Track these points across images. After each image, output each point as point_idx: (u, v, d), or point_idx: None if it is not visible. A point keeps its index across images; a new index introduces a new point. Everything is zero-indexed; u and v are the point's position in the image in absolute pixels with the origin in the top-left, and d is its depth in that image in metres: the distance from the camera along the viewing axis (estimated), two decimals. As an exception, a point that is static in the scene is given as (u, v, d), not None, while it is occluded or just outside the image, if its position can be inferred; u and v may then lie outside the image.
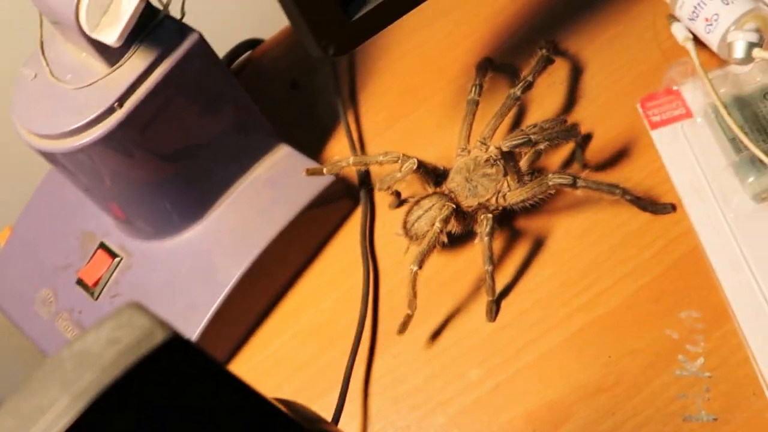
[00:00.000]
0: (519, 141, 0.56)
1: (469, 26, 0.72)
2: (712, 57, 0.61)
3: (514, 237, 0.61)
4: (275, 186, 0.62)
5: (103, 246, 0.65)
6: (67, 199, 0.68)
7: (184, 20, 0.56)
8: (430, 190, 0.61)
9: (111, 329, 0.24)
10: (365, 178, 0.67)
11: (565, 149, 0.62)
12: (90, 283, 0.64)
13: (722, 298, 0.54)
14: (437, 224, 0.56)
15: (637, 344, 0.55)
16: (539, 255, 0.60)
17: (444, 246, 0.58)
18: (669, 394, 0.53)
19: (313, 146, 0.70)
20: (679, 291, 0.56)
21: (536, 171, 0.60)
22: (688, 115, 0.60)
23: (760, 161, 0.53)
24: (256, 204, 0.62)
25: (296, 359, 0.62)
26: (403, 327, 0.58)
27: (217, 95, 0.58)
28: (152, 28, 0.54)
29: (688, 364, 0.53)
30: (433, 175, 0.61)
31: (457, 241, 0.61)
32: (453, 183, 0.60)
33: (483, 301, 0.58)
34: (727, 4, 0.59)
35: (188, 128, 0.57)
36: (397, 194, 0.65)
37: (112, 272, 0.63)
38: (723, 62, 0.60)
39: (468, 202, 0.59)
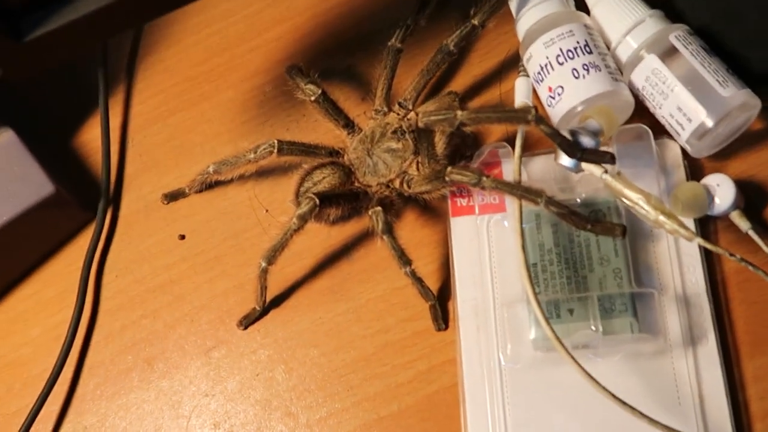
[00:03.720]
0: (440, 117, 0.43)
1: (286, 11, 0.56)
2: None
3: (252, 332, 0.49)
4: (-20, 185, 0.49)
5: None
6: None
7: None
8: (327, 159, 0.49)
9: None
10: (112, 190, 0.54)
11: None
12: None
13: (467, 459, 0.43)
14: (294, 220, 0.44)
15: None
16: (282, 352, 0.48)
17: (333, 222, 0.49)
18: None
19: (61, 129, 0.56)
20: (424, 434, 0.45)
21: (459, 157, 0.48)
22: (501, 208, 0.47)
23: (545, 314, 0.41)
24: (-50, 205, 0.49)
25: (-22, 399, 0.51)
26: (246, 320, 0.49)
27: None
28: None
29: None
30: (322, 150, 0.50)
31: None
32: (354, 153, 0.49)
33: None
34: (578, 77, 0.45)
35: None
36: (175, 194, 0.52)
37: None
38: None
39: (366, 180, 0.48)
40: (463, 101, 0.49)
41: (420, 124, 0.43)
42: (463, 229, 0.47)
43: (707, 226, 0.45)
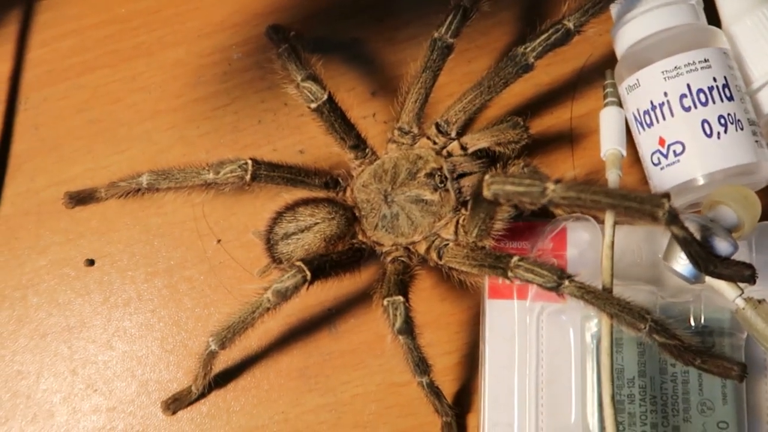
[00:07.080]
0: (521, 189, 0.27)
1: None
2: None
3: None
4: None
5: None
6: None
7: None
8: (320, 193, 0.34)
9: None
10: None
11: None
12: None
13: None
14: (268, 295, 0.29)
15: None
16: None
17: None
18: None
19: None
20: None
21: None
22: (561, 295, 0.33)
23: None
24: None
25: None
26: (176, 403, 0.34)
27: None
28: None
29: None
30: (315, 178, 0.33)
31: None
32: (363, 192, 0.33)
33: None
34: (710, 135, 0.31)
35: None
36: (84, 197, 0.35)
37: None
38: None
39: (376, 236, 0.33)
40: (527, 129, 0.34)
41: (487, 194, 0.28)
42: (503, 318, 0.33)
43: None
